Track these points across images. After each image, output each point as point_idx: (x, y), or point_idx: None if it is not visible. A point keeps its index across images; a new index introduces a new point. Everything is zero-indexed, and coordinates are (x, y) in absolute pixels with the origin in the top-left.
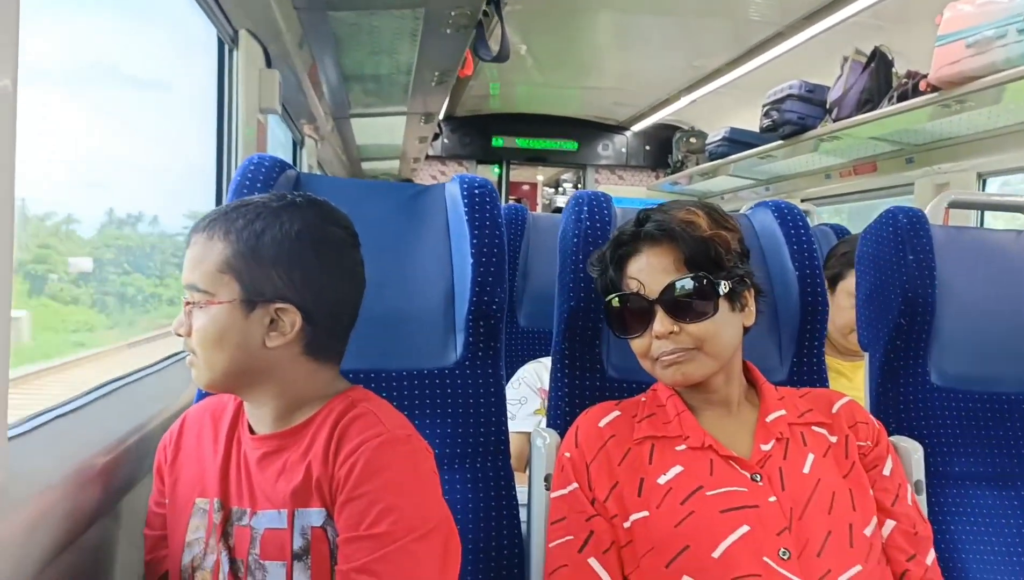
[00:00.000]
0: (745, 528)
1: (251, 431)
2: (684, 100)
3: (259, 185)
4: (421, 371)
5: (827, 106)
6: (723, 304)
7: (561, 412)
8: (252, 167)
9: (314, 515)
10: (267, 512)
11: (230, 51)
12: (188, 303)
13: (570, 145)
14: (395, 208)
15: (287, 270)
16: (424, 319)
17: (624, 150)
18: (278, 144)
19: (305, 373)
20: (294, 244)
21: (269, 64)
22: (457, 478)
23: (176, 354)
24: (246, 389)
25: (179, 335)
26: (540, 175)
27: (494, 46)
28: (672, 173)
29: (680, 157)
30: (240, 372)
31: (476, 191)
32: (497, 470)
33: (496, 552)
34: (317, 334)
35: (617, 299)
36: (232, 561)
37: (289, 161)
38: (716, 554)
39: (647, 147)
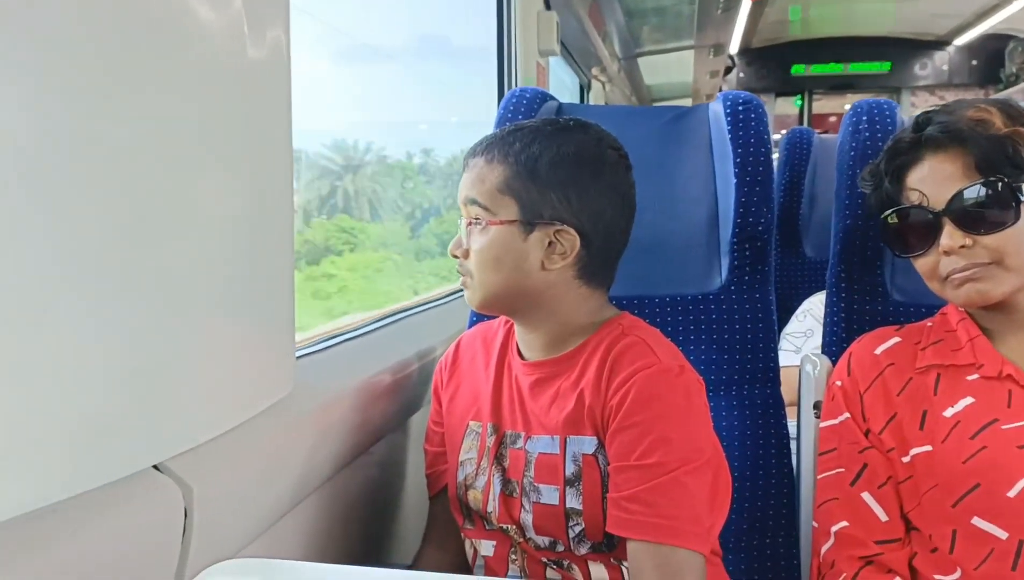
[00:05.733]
0: None
1: (521, 356)
2: (1018, 2)
3: (521, 116)
4: (685, 297)
5: None
6: None
7: (836, 338)
8: (515, 99)
9: (586, 443)
10: (541, 437)
11: None
12: (469, 223)
13: (881, 66)
14: (656, 132)
15: (564, 192)
16: (687, 243)
17: (945, 68)
18: (564, 88)
19: (577, 298)
20: (571, 166)
21: (548, 6)
22: (723, 404)
23: (456, 292)
24: (518, 312)
25: (455, 257)
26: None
27: None
28: (1005, 89)
29: (1015, 70)
30: (514, 294)
31: (740, 107)
32: (765, 398)
33: (764, 481)
34: (591, 257)
35: (895, 215)
36: (506, 482)
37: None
38: (1012, 493)
39: (973, 62)
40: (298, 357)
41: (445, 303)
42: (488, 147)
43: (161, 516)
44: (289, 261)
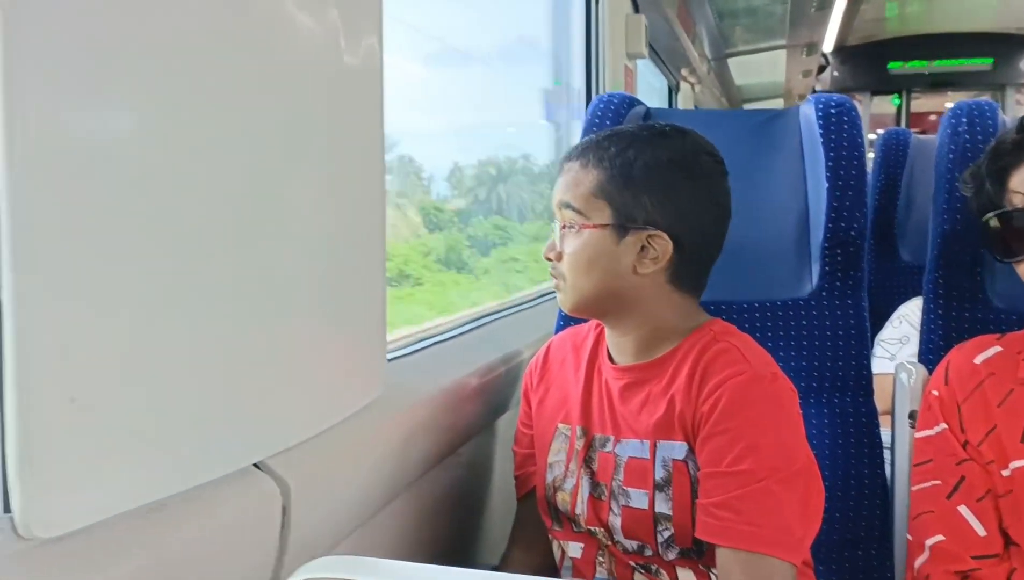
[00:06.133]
0: None
1: (611, 361)
2: None
3: (608, 121)
4: (774, 302)
5: None
6: None
7: (933, 346)
8: (602, 105)
9: (676, 448)
10: (630, 441)
11: None
12: (563, 227)
13: (983, 62)
14: (745, 135)
15: (659, 197)
16: (777, 248)
17: None
18: (652, 90)
19: (668, 303)
20: (666, 171)
21: (637, 8)
22: (813, 413)
23: (544, 294)
24: (609, 316)
25: (549, 260)
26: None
27: None
28: None
29: None
30: (606, 298)
31: (832, 110)
32: (858, 406)
33: (856, 492)
34: (684, 263)
35: (997, 218)
36: (595, 485)
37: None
38: None
39: None
40: (389, 360)
41: (531, 307)
42: (583, 151)
43: (261, 512)
44: (380, 266)
